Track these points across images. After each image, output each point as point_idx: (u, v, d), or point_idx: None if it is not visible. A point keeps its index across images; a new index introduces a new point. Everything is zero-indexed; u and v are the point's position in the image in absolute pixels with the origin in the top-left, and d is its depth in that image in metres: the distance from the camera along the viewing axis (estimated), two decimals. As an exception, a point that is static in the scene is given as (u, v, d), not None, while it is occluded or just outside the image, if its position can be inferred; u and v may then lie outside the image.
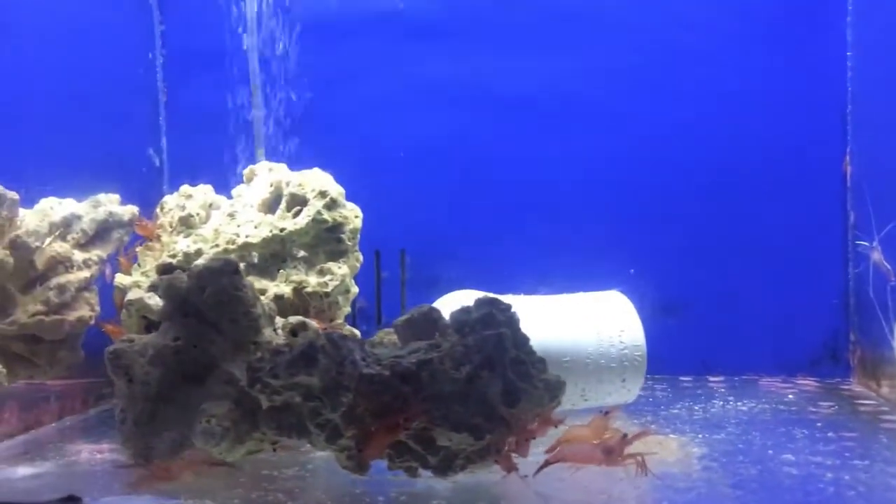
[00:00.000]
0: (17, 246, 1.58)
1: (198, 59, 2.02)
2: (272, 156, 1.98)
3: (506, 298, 1.59)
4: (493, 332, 1.02)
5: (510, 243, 1.97)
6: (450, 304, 1.77)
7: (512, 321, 1.05)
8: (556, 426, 1.06)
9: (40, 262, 1.63)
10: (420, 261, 2.00)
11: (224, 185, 1.84)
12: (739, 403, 1.53)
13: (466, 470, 1.04)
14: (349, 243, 1.59)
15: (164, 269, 1.57)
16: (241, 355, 1.15)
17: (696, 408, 1.51)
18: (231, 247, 1.52)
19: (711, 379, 1.80)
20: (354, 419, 1.00)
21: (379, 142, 1.99)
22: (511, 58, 1.94)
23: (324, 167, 1.68)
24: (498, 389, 1.01)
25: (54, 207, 1.75)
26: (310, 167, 1.67)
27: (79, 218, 1.72)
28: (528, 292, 1.75)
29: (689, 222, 1.87)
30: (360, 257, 1.62)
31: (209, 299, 1.12)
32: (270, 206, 1.67)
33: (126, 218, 1.80)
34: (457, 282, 1.95)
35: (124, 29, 1.96)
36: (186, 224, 1.58)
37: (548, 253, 1.93)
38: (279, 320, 1.28)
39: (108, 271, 1.73)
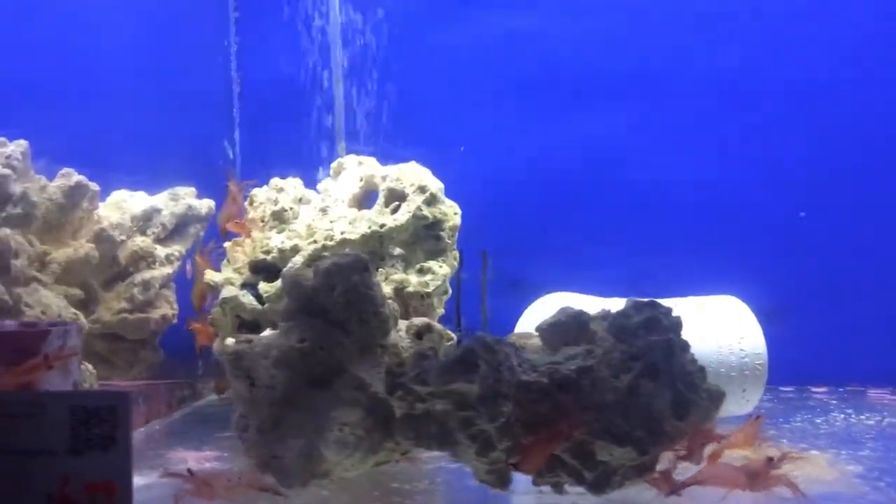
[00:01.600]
0: (102, 239, 1.51)
1: (273, 48, 1.95)
2: (352, 150, 1.90)
3: (612, 302, 1.52)
4: (661, 339, 0.94)
5: (596, 244, 1.89)
6: (547, 307, 1.69)
7: (677, 326, 0.97)
8: (719, 441, 0.98)
9: (123, 256, 1.57)
10: (501, 262, 1.92)
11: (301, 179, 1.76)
12: (862, 417, 1.45)
13: (623, 487, 0.96)
14: (448, 241, 1.52)
15: (258, 266, 1.51)
16: (367, 358, 1.07)
17: (818, 421, 1.43)
18: (329, 243, 1.44)
19: (814, 389, 1.72)
20: (509, 430, 0.93)
21: (459, 137, 1.92)
22: (601, 48, 1.86)
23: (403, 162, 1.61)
24: (666, 400, 0.93)
25: (127, 200, 1.69)
26: (388, 162, 1.61)
27: (158, 211, 1.66)
28: (623, 296, 1.67)
29: (791, 224, 1.79)
30: (458, 256, 1.55)
31: (338, 298, 1.04)
32: (360, 201, 1.60)
33: (203, 212, 1.74)
34: (540, 285, 1.88)
35: (201, 14, 1.89)
36: (279, 219, 1.51)
37: (637, 255, 1.86)
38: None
39: (188, 267, 1.66)
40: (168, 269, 1.62)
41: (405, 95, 1.92)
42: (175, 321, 1.60)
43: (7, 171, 1.41)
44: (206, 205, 1.75)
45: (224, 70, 1.96)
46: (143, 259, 1.60)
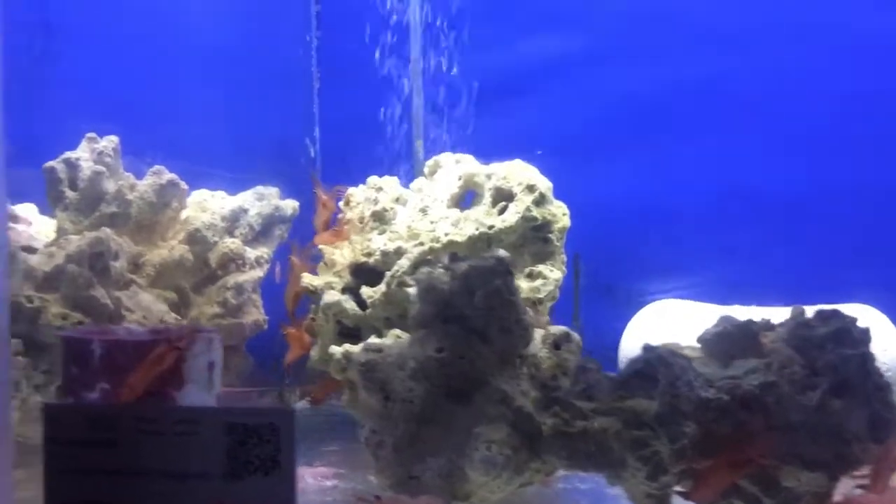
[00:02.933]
0: (195, 241, 1.45)
1: (352, 42, 1.88)
2: (431, 146, 1.82)
3: (734, 310, 1.43)
4: (856, 352, 0.85)
5: (695, 248, 1.79)
6: (658, 315, 1.60)
7: (867, 338, 0.87)
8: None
9: (213, 259, 1.50)
10: (594, 266, 1.83)
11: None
12: None
13: (803, 516, 0.87)
14: (556, 244, 1.43)
15: (359, 270, 1.43)
16: (507, 370, 0.99)
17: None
18: (436, 245, 1.36)
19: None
20: (685, 452, 0.84)
21: (544, 135, 1.83)
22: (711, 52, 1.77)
23: (487, 160, 1.53)
24: (862, 420, 0.84)
25: (208, 200, 1.62)
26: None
27: (245, 212, 1.59)
28: (721, 302, 1.58)
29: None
30: (565, 259, 1.46)
31: (479, 304, 0.96)
32: (458, 201, 1.52)
33: (288, 213, 1.67)
34: (636, 290, 1.79)
35: (284, 8, 1.83)
36: (380, 219, 1.42)
37: (741, 259, 1.75)
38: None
39: (277, 270, 1.59)
40: (258, 273, 1.55)
41: (484, 93, 1.84)
42: (266, 327, 1.53)
43: (101, 168, 1.35)
44: (290, 205, 1.68)
45: (305, 66, 1.89)
46: (233, 261, 1.54)
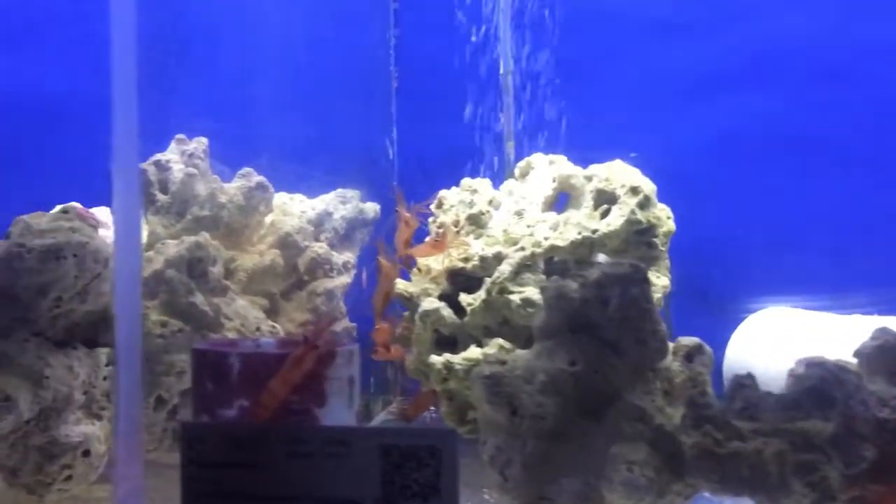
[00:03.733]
0: (286, 245, 1.40)
1: (433, 40, 1.82)
2: (521, 147, 1.76)
3: (856, 319, 1.34)
4: None
5: (795, 250, 1.70)
6: (768, 324, 1.52)
7: None
8: None
9: (301, 264, 1.45)
10: (685, 270, 1.75)
11: (457, 181, 1.64)
12: None
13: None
14: (661, 249, 1.36)
15: (457, 276, 1.37)
16: (640, 384, 0.92)
17: None
18: (538, 250, 1.30)
19: None
20: (859, 478, 0.77)
21: (638, 136, 1.76)
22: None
23: (576, 163, 1.46)
24: None
25: (287, 203, 1.58)
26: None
27: (329, 215, 1.54)
28: (824, 308, 1.49)
29: None
30: (669, 265, 1.39)
31: (613, 314, 0.90)
32: (552, 203, 1.46)
33: (370, 216, 1.62)
34: (730, 296, 1.70)
35: (364, 5, 1.78)
36: (476, 223, 1.37)
37: (844, 263, 1.66)
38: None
39: (364, 275, 1.54)
40: (346, 278, 1.50)
41: (575, 93, 1.77)
42: (355, 334, 1.48)
43: (193, 171, 1.31)
44: (372, 209, 1.63)
45: (384, 64, 1.84)
46: (321, 267, 1.49)
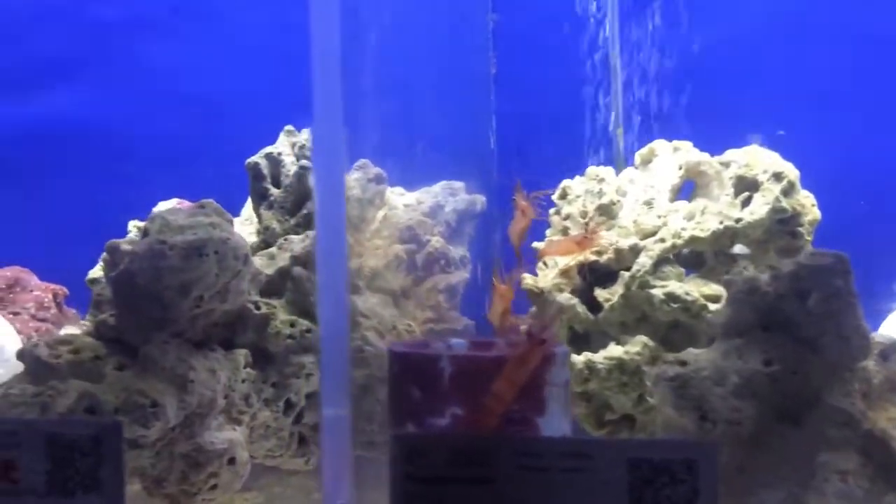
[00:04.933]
0: (408, 240, 1.34)
1: (533, 22, 1.75)
2: (634, 136, 1.68)
3: None
4: None
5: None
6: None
7: None
8: None
9: (420, 259, 1.39)
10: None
11: (561, 170, 1.56)
12: None
13: None
14: (806, 239, 1.27)
15: (589, 270, 1.30)
16: (838, 385, 0.85)
17: None
18: (678, 241, 1.22)
19: None
20: None
21: (768, 119, 1.65)
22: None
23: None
24: None
25: (389, 196, 1.52)
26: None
27: (441, 208, 1.48)
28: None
29: None
30: (813, 256, 1.31)
31: (814, 308, 0.82)
32: (678, 191, 1.38)
33: (479, 209, 1.55)
34: (879, 288, 1.60)
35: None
36: (606, 213, 1.29)
37: None
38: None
39: (478, 270, 1.48)
40: (465, 273, 1.43)
41: (692, 73, 1.67)
42: (473, 331, 1.42)
43: (307, 163, 1.26)
44: (479, 200, 1.56)
45: (483, 50, 1.77)
46: (437, 262, 1.43)
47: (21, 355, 0.95)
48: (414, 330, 1.19)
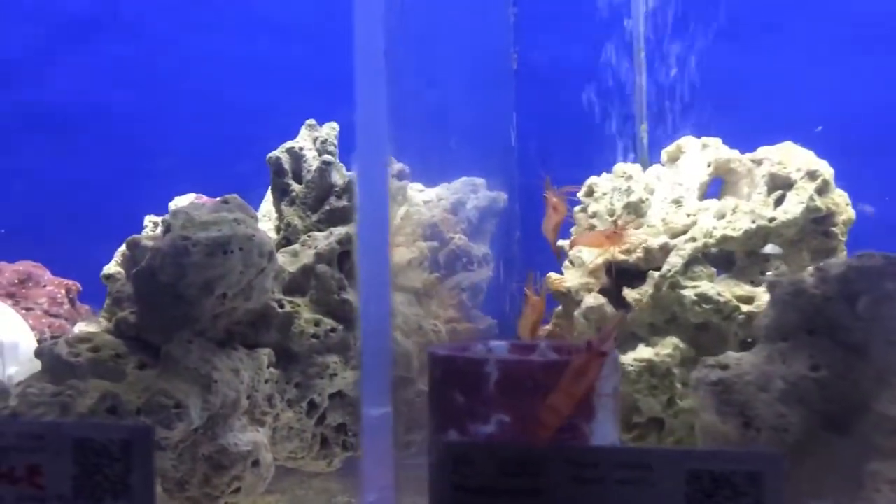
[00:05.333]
0: (432, 237, 1.32)
1: (555, 15, 1.72)
2: (659, 133, 1.65)
3: None
4: None
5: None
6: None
7: None
8: None
9: (442, 257, 1.37)
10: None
11: (586, 166, 1.54)
12: None
13: None
14: (840, 239, 1.24)
15: (617, 269, 1.28)
16: (885, 391, 0.82)
17: None
18: (710, 241, 1.19)
19: None
20: None
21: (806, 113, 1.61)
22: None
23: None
24: None
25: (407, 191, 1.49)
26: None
27: (462, 204, 1.45)
28: None
29: None
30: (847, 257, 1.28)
31: (863, 312, 0.79)
32: (705, 189, 1.35)
33: (500, 205, 1.53)
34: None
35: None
36: (635, 211, 1.26)
37: None
38: None
39: (500, 268, 1.45)
40: (487, 272, 1.41)
41: (718, 66, 1.64)
42: (496, 331, 1.39)
43: (330, 158, 1.23)
44: (501, 197, 1.54)
45: (505, 45, 1.74)
46: (459, 260, 1.40)
47: (40, 353, 0.92)
48: (440, 329, 1.16)
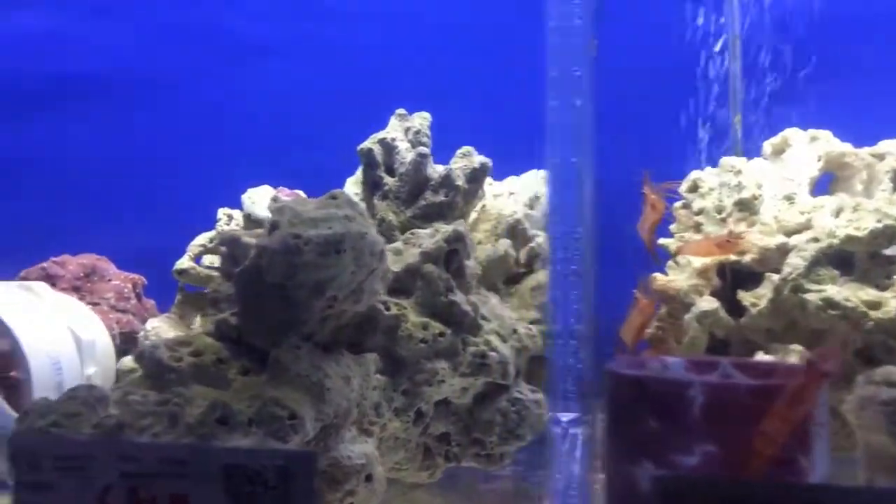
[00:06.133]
0: (516, 235, 1.25)
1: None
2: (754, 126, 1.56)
3: None
4: None
5: None
6: None
7: None
8: None
9: (524, 255, 1.30)
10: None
11: (666, 160, 1.47)
12: None
13: None
14: (970, 240, 1.17)
15: (723, 270, 1.20)
16: None
17: None
18: (834, 241, 1.11)
19: None
20: None
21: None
22: None
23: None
24: None
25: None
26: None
27: (537, 199, 1.38)
28: None
29: None
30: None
31: None
32: (814, 185, 1.28)
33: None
34: None
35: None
36: (748, 208, 1.19)
37: None
38: None
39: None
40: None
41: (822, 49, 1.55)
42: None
43: (425, 150, 1.16)
44: (571, 192, 1.47)
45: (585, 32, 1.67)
46: (537, 257, 1.33)
47: (140, 357, 0.87)
48: (534, 334, 1.09)
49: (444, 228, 1.01)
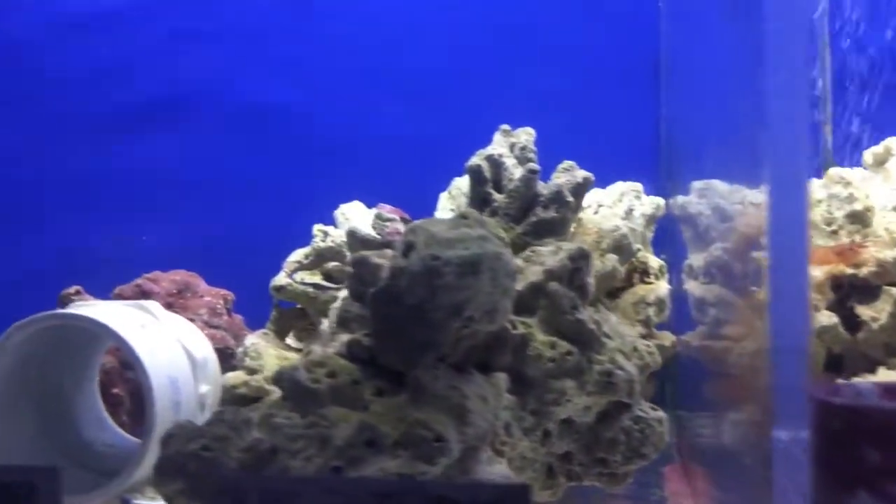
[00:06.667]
0: (622, 250, 1.24)
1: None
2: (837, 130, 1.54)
3: None
4: None
5: None
6: None
7: None
8: None
9: (625, 269, 1.29)
10: None
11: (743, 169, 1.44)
12: None
13: None
14: None
15: (839, 283, 1.19)
16: None
17: None
18: (959, 255, 1.10)
19: None
20: None
21: None
22: None
23: None
24: None
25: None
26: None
27: (630, 212, 1.37)
28: None
29: None
30: None
31: None
32: (924, 195, 1.26)
33: (660, 213, 1.45)
34: None
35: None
36: (860, 221, 1.18)
37: None
38: None
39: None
40: (665, 284, 1.33)
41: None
42: (676, 349, 1.31)
43: (535, 166, 1.16)
44: (661, 204, 1.46)
45: (652, 39, 1.66)
46: (636, 271, 1.33)
47: (279, 378, 0.87)
48: (653, 351, 1.09)
49: (567, 246, 1.01)
